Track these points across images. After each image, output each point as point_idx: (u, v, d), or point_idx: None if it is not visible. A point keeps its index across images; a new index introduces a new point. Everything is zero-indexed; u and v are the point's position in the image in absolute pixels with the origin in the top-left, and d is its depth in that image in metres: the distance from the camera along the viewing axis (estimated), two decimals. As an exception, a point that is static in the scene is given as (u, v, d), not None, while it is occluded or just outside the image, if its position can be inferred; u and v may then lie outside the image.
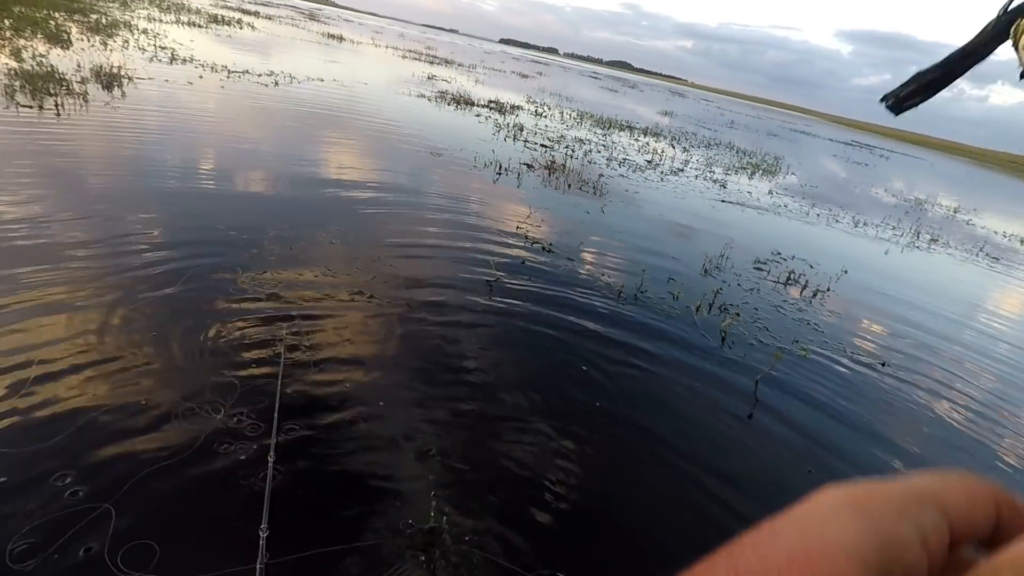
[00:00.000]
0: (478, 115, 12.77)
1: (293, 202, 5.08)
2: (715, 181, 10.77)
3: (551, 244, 5.25)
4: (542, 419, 2.72)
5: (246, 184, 5.27)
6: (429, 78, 19.03)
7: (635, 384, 3.26)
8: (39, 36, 9.81)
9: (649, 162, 11.32)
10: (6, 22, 10.13)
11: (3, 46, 8.31)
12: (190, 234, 3.89)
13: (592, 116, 17.65)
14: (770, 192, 11.07)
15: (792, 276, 5.82)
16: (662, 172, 10.48)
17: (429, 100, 13.63)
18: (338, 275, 3.75)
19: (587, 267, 4.92)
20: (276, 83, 11.00)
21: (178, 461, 2.02)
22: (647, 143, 14.26)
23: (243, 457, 2.09)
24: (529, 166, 8.45)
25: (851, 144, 41.00)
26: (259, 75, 11.46)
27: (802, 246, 7.37)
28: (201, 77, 9.90)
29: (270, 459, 2.03)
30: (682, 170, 11.23)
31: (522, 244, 5.12)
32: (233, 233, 4.06)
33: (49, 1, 14.28)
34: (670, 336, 3.94)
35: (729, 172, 12.32)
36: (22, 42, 9.02)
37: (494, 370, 3.06)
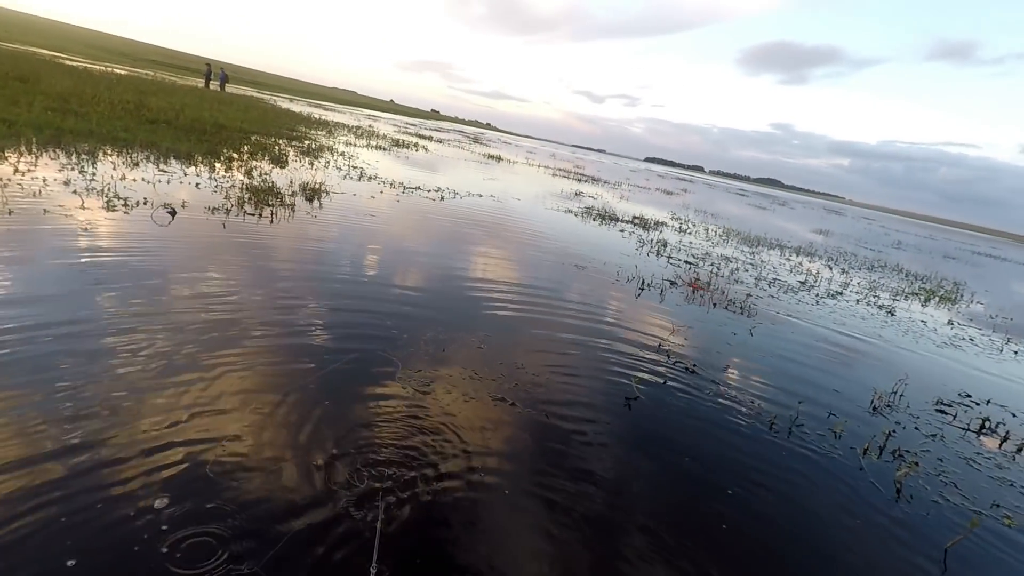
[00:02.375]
0: (622, 230, 13.12)
1: (448, 306, 5.48)
2: (881, 307, 9.83)
3: (695, 364, 5.08)
4: (673, 555, 2.52)
5: (411, 286, 5.81)
6: (576, 194, 20.09)
7: (789, 530, 2.92)
8: (266, 158, 12.05)
9: (803, 283, 10.69)
10: (244, 148, 12.62)
11: (242, 167, 10.31)
12: (359, 327, 4.36)
13: (739, 233, 17.30)
14: (950, 323, 9.83)
15: (987, 424, 4.98)
16: (818, 295, 9.82)
17: (575, 215, 14.32)
18: (483, 379, 3.93)
19: (734, 392, 4.64)
20: (442, 198, 12.32)
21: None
22: (800, 263, 13.56)
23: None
24: (672, 283, 8.40)
25: (1055, 270, 35.46)
26: (428, 190, 12.93)
27: (997, 389, 6.35)
28: (382, 192, 11.41)
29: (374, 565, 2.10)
30: (841, 293, 10.43)
31: (664, 362, 5.01)
32: (395, 332, 4.47)
33: (277, 131, 17.60)
34: (832, 479, 3.53)
35: (897, 298, 11.20)
36: (254, 163, 11.13)
37: (627, 492, 2.94)
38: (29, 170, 7.12)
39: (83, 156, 8.46)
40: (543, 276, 7.34)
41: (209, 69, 37.85)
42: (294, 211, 7.96)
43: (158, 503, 2.24)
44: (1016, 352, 8.47)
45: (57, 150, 8.55)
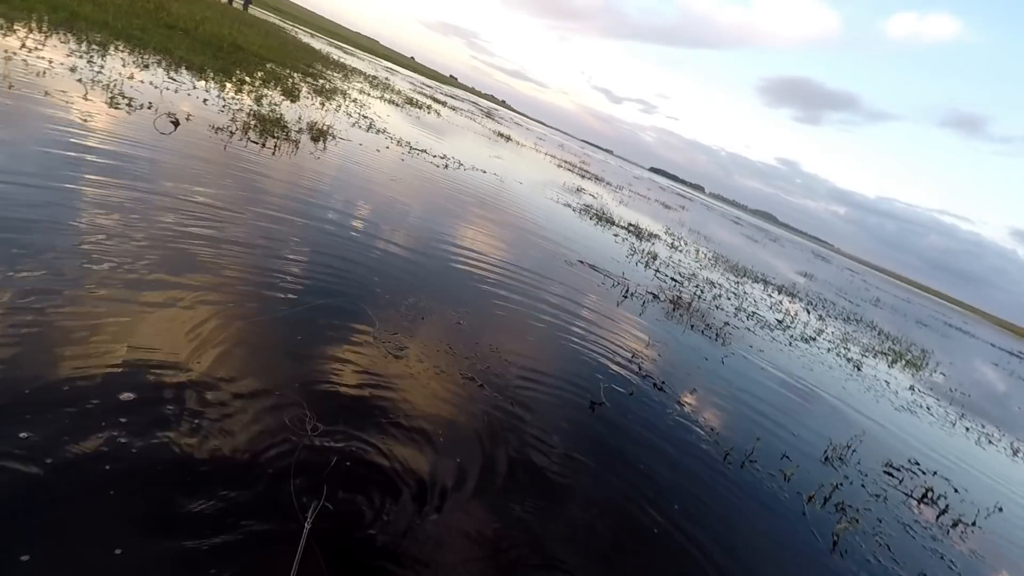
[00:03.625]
0: (616, 235, 13.15)
1: (434, 275, 5.45)
2: (849, 360, 10.05)
3: (663, 382, 5.14)
4: (585, 561, 2.58)
5: (400, 247, 5.76)
6: (578, 190, 20.05)
7: (721, 553, 2.99)
8: (278, 89, 11.78)
9: (780, 322, 10.86)
10: (258, 74, 12.31)
11: (252, 92, 10.06)
12: (342, 275, 4.32)
13: (727, 260, 17.48)
14: (911, 388, 10.10)
15: (930, 495, 5.13)
16: (792, 336, 10.00)
17: (574, 210, 14.31)
18: (457, 355, 3.94)
19: (696, 417, 4.72)
20: (446, 166, 12.20)
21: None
22: (780, 301, 13.77)
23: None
24: (655, 296, 8.47)
25: (1019, 355, 36.56)
26: (434, 156, 12.79)
27: (945, 461, 6.56)
28: (388, 147, 11.25)
29: (306, 526, 2.11)
30: (814, 339, 10.63)
31: (634, 374, 5.06)
32: (378, 290, 4.44)
33: (293, 64, 17.19)
34: (774, 517, 3.62)
35: (867, 354, 11.46)
36: (265, 91, 10.87)
37: (575, 487, 2.98)
38: (37, 48, 6.87)
39: (94, 47, 8.18)
40: (531, 264, 7.34)
41: (235, -16, 36.74)
42: (298, 148, 7.82)
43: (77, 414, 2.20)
44: (967, 429, 8.74)
45: (68, 34, 8.26)
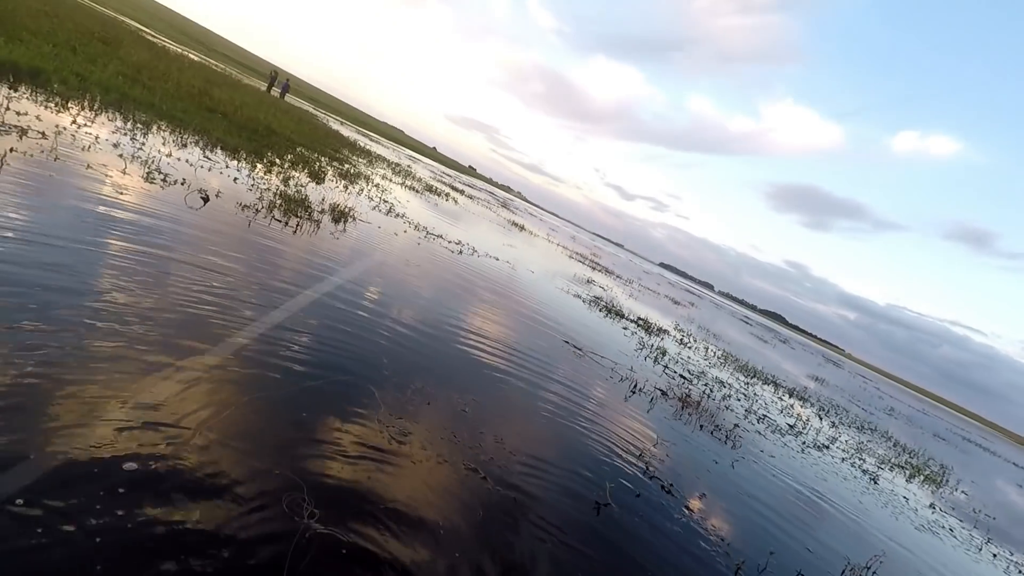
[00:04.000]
0: (625, 328, 13.16)
1: (442, 359, 5.43)
2: (865, 472, 9.66)
3: (672, 484, 4.95)
4: None
5: (410, 329, 5.77)
6: (588, 281, 20.31)
7: None
8: (305, 171, 12.33)
9: (791, 427, 10.58)
10: (288, 156, 12.95)
11: (281, 173, 10.54)
12: (351, 355, 4.31)
13: (737, 360, 17.30)
14: (932, 506, 9.62)
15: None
16: (804, 443, 9.69)
17: (583, 301, 14.42)
18: (461, 445, 3.84)
19: (706, 524, 4.50)
20: (460, 251, 12.48)
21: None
22: (791, 405, 13.47)
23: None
24: (664, 393, 8.33)
25: (1039, 478, 34.80)
26: (449, 241, 13.12)
27: (969, 588, 6.13)
28: (405, 231, 11.57)
29: None
30: (827, 447, 10.30)
31: (641, 474, 4.89)
32: (385, 372, 4.42)
33: (322, 149, 18.11)
34: (789, 645, 3.35)
35: (883, 466, 11.03)
36: (293, 172, 11.38)
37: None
38: (86, 124, 7.32)
39: (139, 125, 8.71)
40: (539, 352, 7.31)
41: (274, 75, 39.47)
42: (319, 227, 8.08)
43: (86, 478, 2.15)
44: (995, 556, 8.22)
45: (117, 113, 8.82)
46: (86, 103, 8.40)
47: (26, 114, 6.56)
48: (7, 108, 6.41)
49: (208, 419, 2.83)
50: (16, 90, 7.39)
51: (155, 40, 27.29)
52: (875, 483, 9.17)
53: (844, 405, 19.73)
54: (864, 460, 10.68)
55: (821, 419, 13.49)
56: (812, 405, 15.35)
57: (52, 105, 7.51)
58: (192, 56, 30.71)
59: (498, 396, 5.18)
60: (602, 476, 4.46)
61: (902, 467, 11.93)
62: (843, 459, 9.88)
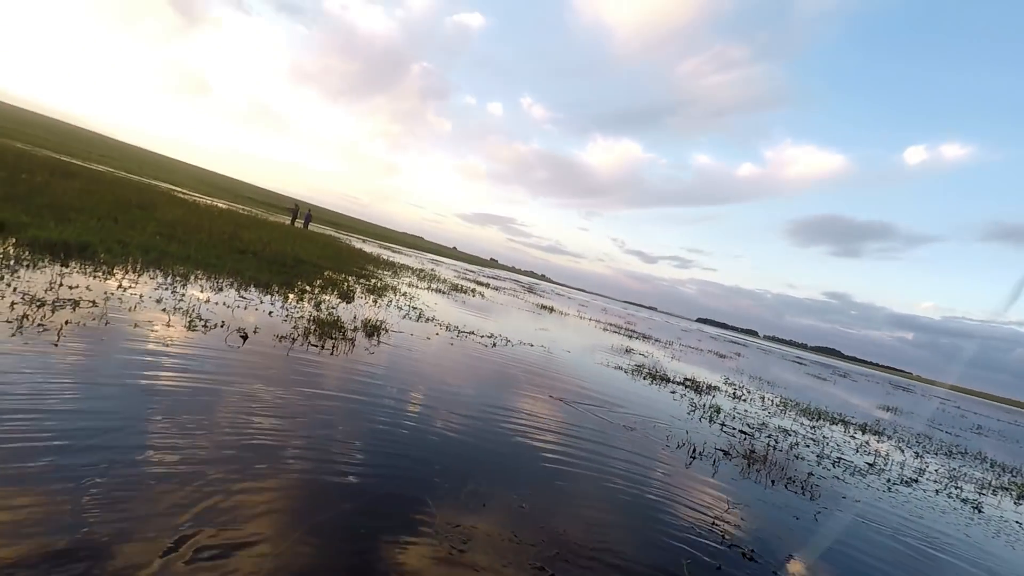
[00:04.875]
0: (673, 392, 12.82)
1: (492, 457, 5.36)
2: (965, 501, 8.89)
3: (753, 550, 4.65)
4: None
5: (456, 432, 5.75)
6: (627, 351, 20.04)
7: None
8: (334, 293, 12.83)
9: (871, 465, 9.91)
10: (317, 282, 13.53)
11: (312, 299, 10.99)
12: (401, 469, 4.30)
13: (797, 404, 16.54)
14: (1049, 529, 8.72)
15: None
16: (889, 480, 9.04)
17: (625, 371, 14.18)
18: (523, 544, 3.73)
19: (798, 589, 4.18)
20: (494, 344, 12.55)
21: None
22: (866, 441, 12.68)
23: None
24: (726, 453, 7.98)
25: None
26: (481, 336, 13.25)
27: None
28: (437, 334, 11.76)
29: None
30: (916, 480, 9.57)
31: (718, 543, 4.62)
32: (437, 480, 4.39)
33: (348, 268, 18.88)
34: None
35: (984, 491, 10.14)
36: (323, 296, 11.85)
37: None
38: (131, 286, 7.85)
39: (177, 278, 9.29)
40: (589, 434, 7.15)
41: (296, 208, 41.90)
42: (354, 345, 8.29)
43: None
44: None
45: (157, 270, 9.45)
46: (129, 266, 9.04)
47: (77, 286, 7.09)
48: (61, 284, 6.95)
49: (270, 550, 2.84)
50: (67, 265, 8.02)
51: (186, 196, 29.49)
52: (979, 512, 8.40)
53: (925, 432, 18.45)
54: (961, 488, 9.86)
55: (903, 451, 12.61)
56: (889, 438, 14.41)
57: (99, 274, 8.10)
58: (221, 205, 33.01)
59: (554, 485, 5.05)
60: (676, 553, 4.23)
61: (1006, 489, 10.94)
62: (936, 491, 9.13)
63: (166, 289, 8.35)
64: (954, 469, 11.98)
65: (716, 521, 5.14)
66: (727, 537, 4.82)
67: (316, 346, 7.64)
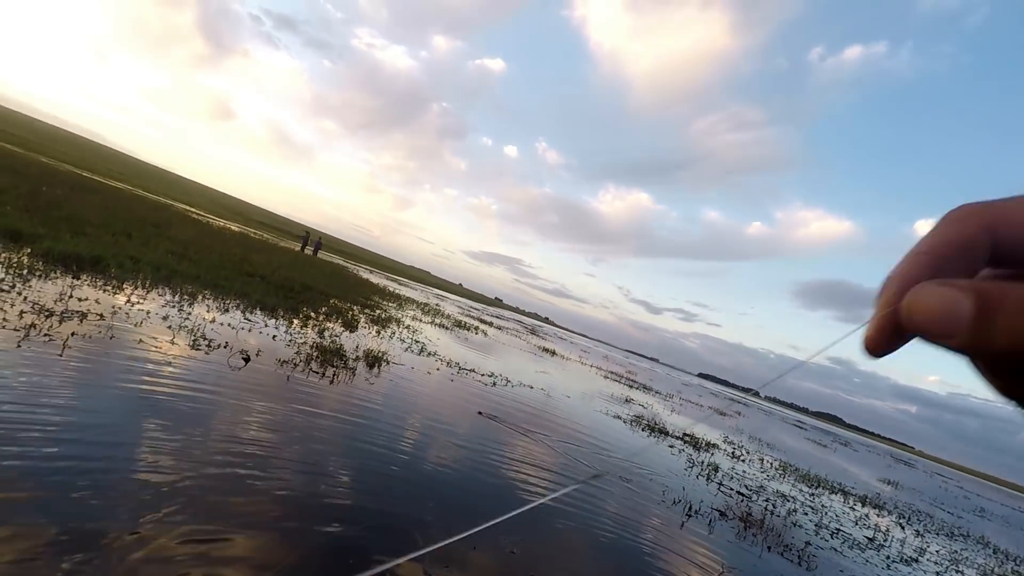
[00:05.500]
0: (671, 446, 12.63)
1: (484, 499, 5.27)
2: (966, 585, 8.61)
3: (746, 618, 4.51)
4: None
5: (449, 471, 5.68)
6: (627, 400, 19.84)
7: None
8: (339, 321, 12.87)
9: (870, 540, 9.65)
10: (323, 309, 13.59)
11: (316, 326, 11.02)
12: (390, 505, 4.23)
13: (797, 469, 16.23)
14: (1054, 621, 8.41)
15: None
16: (888, 557, 8.79)
17: (624, 421, 14.01)
18: (511, 593, 3.64)
19: (791, 663, 4.04)
20: (494, 383, 12.48)
21: None
22: (866, 514, 12.37)
23: None
24: (722, 513, 7.81)
25: None
26: (481, 374, 13.19)
27: None
28: (438, 369, 11.73)
29: None
30: (916, 560, 9.29)
31: (710, 609, 4.49)
32: (428, 518, 4.32)
33: (353, 298, 18.98)
34: None
35: (985, 577, 9.83)
36: (328, 324, 11.88)
37: None
38: (139, 302, 7.92)
39: (185, 296, 9.37)
40: (587, 484, 7.03)
41: (307, 235, 42.41)
42: (354, 375, 8.27)
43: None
44: None
45: (166, 288, 9.54)
46: (139, 282, 9.14)
47: (87, 299, 7.16)
48: (71, 296, 7.02)
49: (256, 570, 2.79)
50: (79, 278, 8.12)
51: (200, 217, 29.96)
52: (980, 598, 8.13)
53: (926, 510, 17.99)
54: (963, 573, 9.55)
55: (903, 528, 12.28)
56: (890, 513, 14.05)
57: (109, 288, 8.19)
58: (233, 227, 33.46)
59: (546, 531, 4.96)
60: (667, 615, 4.11)
61: (1009, 577, 10.59)
62: (937, 573, 8.86)
63: (173, 307, 8.41)
64: (956, 552, 11.64)
65: (709, 584, 5.00)
66: (720, 602, 4.68)
67: (317, 373, 7.63)
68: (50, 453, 3.37)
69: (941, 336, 0.28)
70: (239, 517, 3.38)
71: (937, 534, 13.25)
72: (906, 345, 0.30)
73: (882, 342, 0.30)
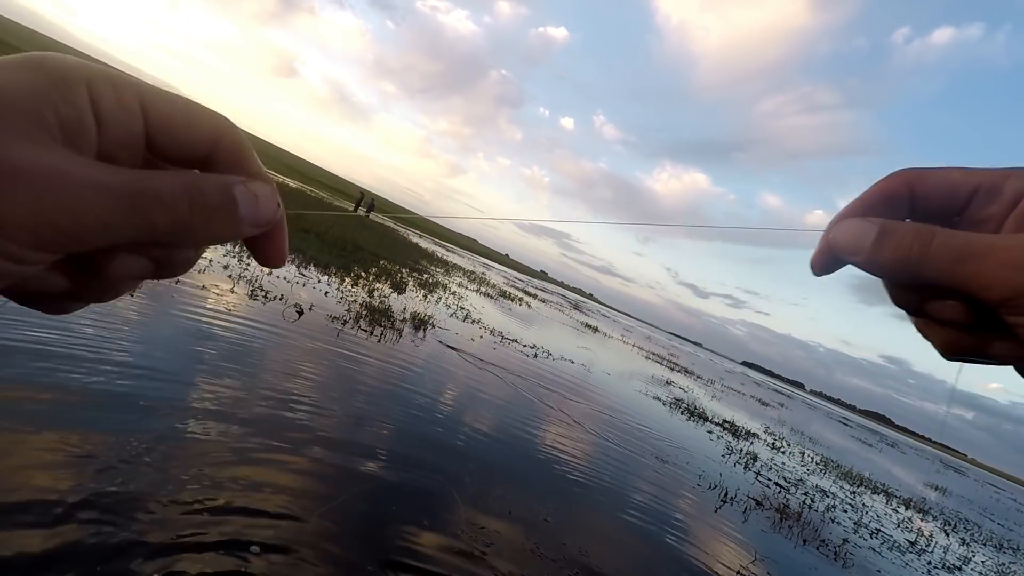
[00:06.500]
0: (710, 431, 12.49)
1: (523, 466, 5.37)
2: (1011, 600, 8.30)
3: (776, 607, 4.49)
4: None
5: (490, 436, 5.79)
6: (667, 382, 19.67)
7: None
8: (387, 282, 13.16)
9: (912, 543, 9.38)
10: (373, 269, 13.91)
11: (366, 286, 11.31)
12: (431, 461, 4.37)
13: (839, 466, 15.81)
14: (1105, 646, 8.03)
15: None
16: (930, 563, 8.53)
17: (663, 403, 13.92)
18: (544, 558, 3.72)
19: (820, 656, 4.01)
20: (536, 355, 12.57)
21: None
22: (909, 518, 11.99)
23: None
24: (759, 503, 7.72)
25: None
26: (524, 345, 13.30)
27: None
28: (481, 336, 11.89)
29: None
30: (959, 568, 8.98)
31: (740, 595, 4.48)
32: (467, 479, 4.43)
33: (403, 261, 19.33)
34: None
35: (1033, 594, 9.44)
36: (377, 285, 12.17)
37: None
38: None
39: (243, 248, 9.75)
40: (621, 460, 7.06)
41: (361, 196, 43.17)
42: (401, 336, 8.48)
43: (215, 593, 2.26)
44: None
45: (226, 239, 9.95)
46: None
47: (156, 244, 7.55)
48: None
49: (294, 520, 2.94)
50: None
51: (260, 173, 30.87)
52: (1026, 615, 7.83)
53: (975, 519, 17.30)
54: (1008, 586, 9.20)
55: (948, 535, 11.86)
56: (935, 518, 13.58)
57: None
58: (291, 183, 34.37)
59: (579, 505, 5.02)
60: (696, 595, 4.13)
61: (1059, 596, 10.14)
62: (981, 584, 8.56)
63: (233, 257, 8.77)
64: (1003, 564, 11.19)
65: (740, 571, 4.98)
66: (750, 589, 4.67)
67: (366, 331, 7.85)
68: (117, 373, 3.61)
69: (849, 253, 0.37)
70: (286, 451, 3.56)
71: (984, 544, 12.74)
72: (840, 269, 0.40)
73: (819, 263, 0.40)
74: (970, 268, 0.32)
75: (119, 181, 0.28)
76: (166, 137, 0.33)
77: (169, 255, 0.34)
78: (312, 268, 10.79)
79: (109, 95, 0.30)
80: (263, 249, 0.37)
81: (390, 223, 51.42)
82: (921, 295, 0.39)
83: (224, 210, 0.32)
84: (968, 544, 11.83)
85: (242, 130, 0.36)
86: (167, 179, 0.30)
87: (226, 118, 0.35)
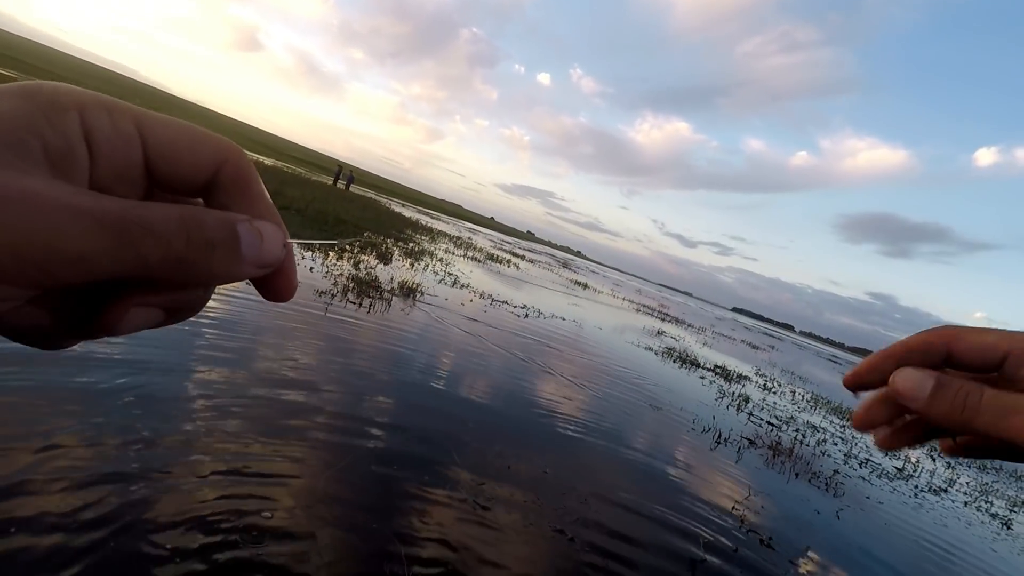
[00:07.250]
0: (702, 377, 12.73)
1: (519, 423, 5.46)
2: (994, 516, 8.67)
3: (770, 538, 4.67)
4: None
5: (485, 396, 5.87)
6: (658, 333, 19.91)
7: None
8: (373, 254, 13.07)
9: (899, 470, 9.73)
10: (356, 242, 13.80)
11: (352, 258, 11.23)
12: (429, 426, 4.43)
13: (829, 403, 16.24)
14: (1083, 551, 8.46)
15: None
16: (916, 487, 8.87)
17: (655, 353, 14.13)
18: (545, 507, 3.82)
19: (814, 579, 4.20)
20: (526, 315, 12.64)
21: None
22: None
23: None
24: (752, 442, 7.93)
25: None
26: (514, 306, 13.35)
27: None
28: (471, 300, 11.91)
29: None
30: (945, 490, 9.36)
31: (736, 528, 4.65)
32: (466, 439, 4.51)
33: (387, 231, 19.16)
34: None
35: (1015, 508, 9.86)
36: (362, 257, 12.09)
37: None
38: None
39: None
40: (616, 410, 7.20)
41: (339, 169, 42.46)
42: (390, 305, 8.47)
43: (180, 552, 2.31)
44: None
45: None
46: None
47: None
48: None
49: (305, 483, 2.99)
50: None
51: (234, 151, 30.21)
52: (1008, 528, 8.20)
53: (959, 443, 17.90)
54: (991, 503, 9.60)
55: (934, 460, 12.32)
56: (922, 446, 14.04)
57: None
58: (265, 161, 33.68)
59: (578, 455, 5.13)
60: (693, 531, 4.28)
61: (1040, 508, 10.62)
62: (965, 503, 8.92)
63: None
64: (987, 484, 11.66)
65: (735, 506, 5.16)
66: (746, 522, 4.84)
67: (354, 303, 7.83)
68: (109, 353, 3.60)
69: (909, 400, 0.42)
70: (285, 429, 3.59)
71: (968, 466, 13.25)
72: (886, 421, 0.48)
73: (863, 420, 0.49)
74: (1015, 422, 0.38)
75: (103, 208, 0.25)
76: (166, 163, 0.30)
77: (170, 298, 0.32)
78: (294, 244, 10.68)
79: (104, 122, 0.28)
80: (270, 283, 0.34)
81: (372, 194, 50.78)
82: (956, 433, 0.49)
83: (224, 247, 0.30)
84: (953, 467, 12.29)
85: (248, 156, 0.34)
86: (162, 210, 0.27)
87: (231, 142, 0.33)
